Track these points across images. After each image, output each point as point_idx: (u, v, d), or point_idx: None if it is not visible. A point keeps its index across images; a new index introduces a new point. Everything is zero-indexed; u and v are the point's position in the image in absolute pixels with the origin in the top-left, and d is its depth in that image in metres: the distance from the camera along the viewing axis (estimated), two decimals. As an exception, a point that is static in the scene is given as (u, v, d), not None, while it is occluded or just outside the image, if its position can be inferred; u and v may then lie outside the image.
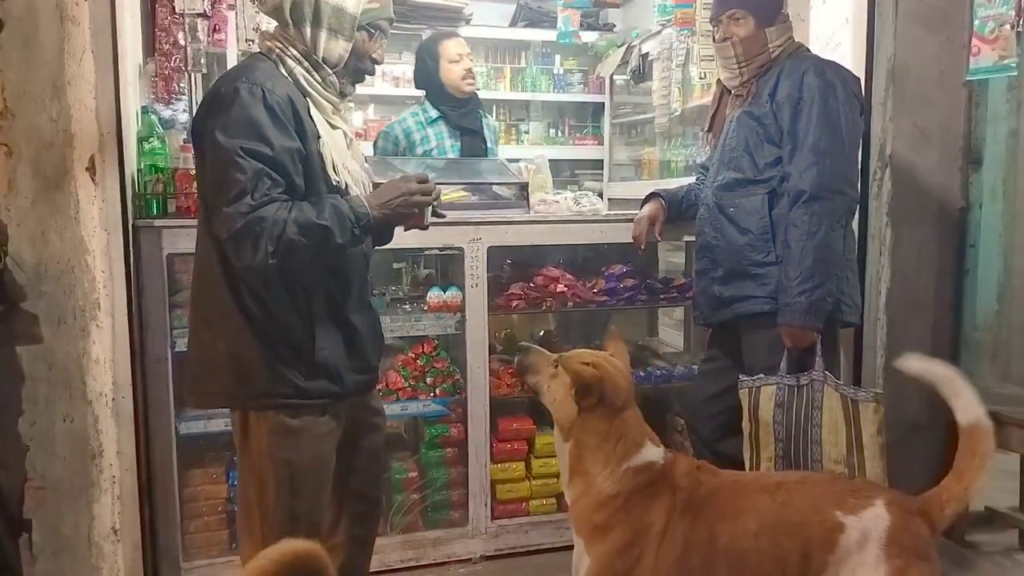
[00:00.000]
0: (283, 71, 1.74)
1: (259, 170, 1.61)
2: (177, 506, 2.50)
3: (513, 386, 2.80)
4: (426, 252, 2.88)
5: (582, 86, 5.13)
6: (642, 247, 2.68)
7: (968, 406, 1.64)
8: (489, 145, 3.31)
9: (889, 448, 2.15)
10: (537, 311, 2.83)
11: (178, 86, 2.53)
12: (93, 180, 2.33)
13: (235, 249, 1.64)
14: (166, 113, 2.58)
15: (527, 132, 5.12)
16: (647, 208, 2.69)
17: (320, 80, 1.76)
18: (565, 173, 5.25)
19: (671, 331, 3.76)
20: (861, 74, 2.66)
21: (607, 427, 1.72)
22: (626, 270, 2.90)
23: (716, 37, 2.39)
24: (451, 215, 2.61)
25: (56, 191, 2.27)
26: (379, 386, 2.50)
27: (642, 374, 2.96)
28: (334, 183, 1.74)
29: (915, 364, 1.70)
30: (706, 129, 2.66)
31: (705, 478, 1.76)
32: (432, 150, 3.23)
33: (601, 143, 5.13)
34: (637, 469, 1.71)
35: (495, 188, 2.81)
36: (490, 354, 2.98)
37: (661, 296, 2.95)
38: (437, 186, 1.87)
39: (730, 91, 2.45)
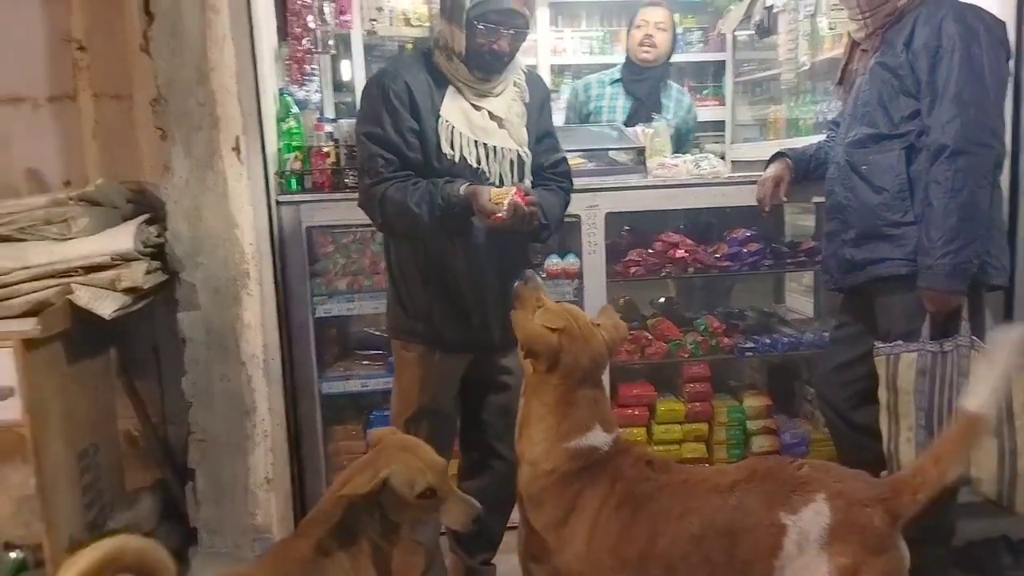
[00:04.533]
0: (434, 59, 1.97)
1: (374, 152, 1.91)
2: (322, 459, 2.71)
3: (633, 352, 2.82)
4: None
5: (701, 44, 4.96)
6: (766, 209, 2.60)
7: (982, 389, 1.48)
8: (667, 115, 3.33)
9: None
10: (655, 277, 2.82)
11: (309, 67, 2.68)
12: (239, 159, 2.52)
13: (367, 216, 2.01)
14: (300, 94, 2.74)
15: (644, 95, 5.01)
16: (772, 168, 2.61)
17: (455, 67, 1.94)
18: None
19: (800, 297, 3.64)
20: (1009, 17, 2.45)
21: (556, 399, 1.64)
22: (750, 234, 2.84)
23: None
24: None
25: (206, 170, 2.48)
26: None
27: (767, 341, 2.90)
28: (448, 157, 1.94)
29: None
30: (837, 83, 2.54)
31: (654, 473, 1.65)
32: (601, 108, 3.38)
33: (722, 103, 4.96)
34: (576, 451, 1.63)
35: (612, 154, 2.80)
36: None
37: (788, 261, 2.86)
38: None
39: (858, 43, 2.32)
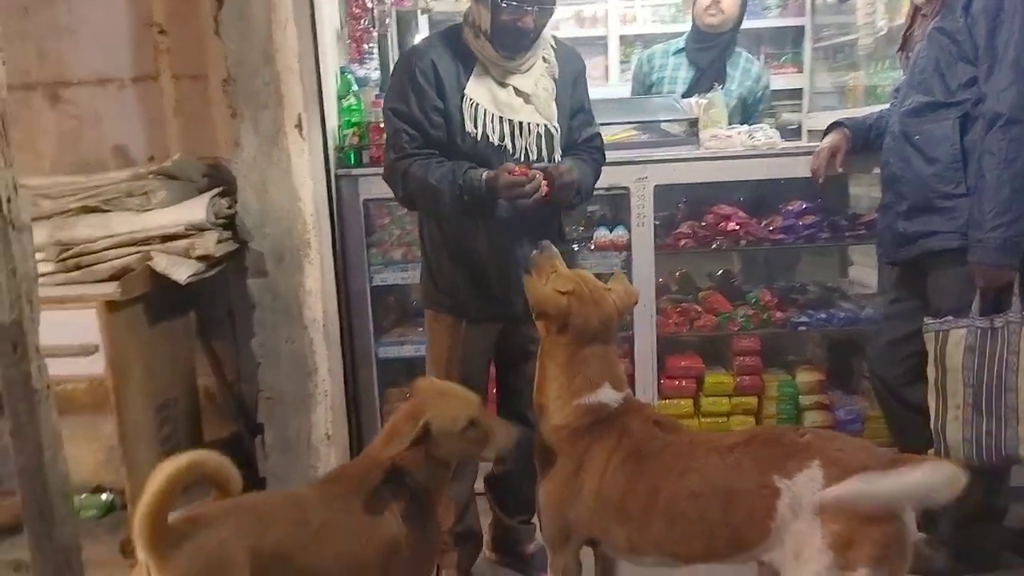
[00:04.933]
0: (463, 36, 2.02)
1: (399, 127, 1.97)
2: (378, 418, 2.86)
3: (681, 324, 2.83)
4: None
5: (779, 9, 4.80)
6: (820, 180, 2.55)
7: None
8: (732, 85, 3.25)
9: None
10: (706, 250, 2.81)
11: (367, 46, 2.78)
12: (301, 136, 2.66)
13: (391, 189, 2.06)
14: (360, 72, 2.85)
15: (718, 63, 4.90)
16: (829, 139, 2.55)
17: (481, 45, 1.99)
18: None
19: (868, 271, 3.53)
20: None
21: (567, 358, 1.70)
22: (806, 206, 2.78)
23: None
24: (617, 155, 2.68)
25: (272, 147, 2.63)
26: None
27: (822, 316, 2.85)
28: (471, 135, 1.99)
29: None
30: (898, 49, 2.45)
31: (660, 432, 1.69)
32: (663, 79, 3.33)
33: (800, 70, 4.80)
34: (587, 408, 1.69)
35: (664, 126, 2.79)
36: (664, 294, 3.03)
37: (846, 234, 2.79)
38: (536, 175, 1.93)
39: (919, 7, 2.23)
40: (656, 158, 2.67)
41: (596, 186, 2.69)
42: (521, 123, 2.02)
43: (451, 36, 2.08)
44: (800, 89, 4.79)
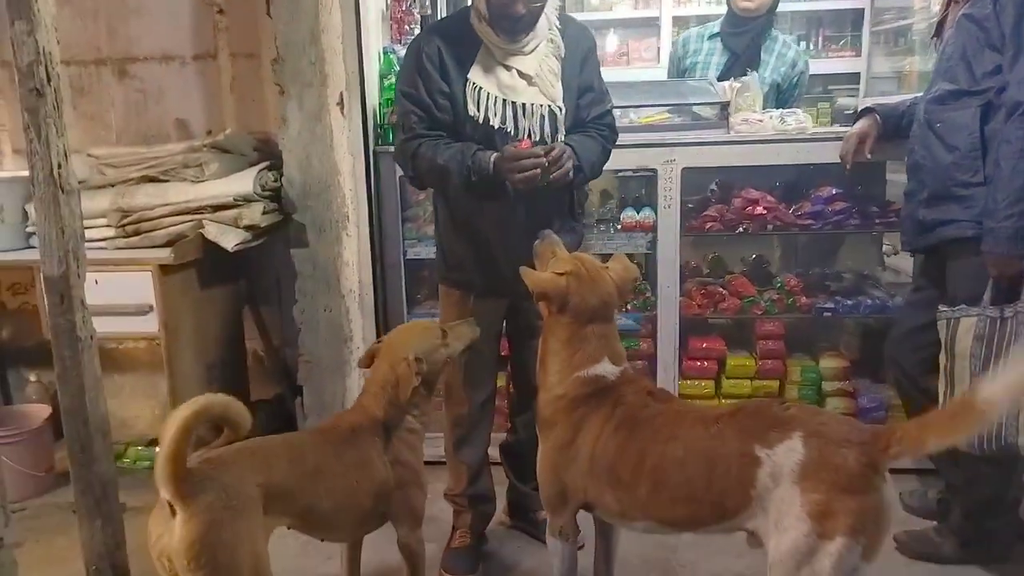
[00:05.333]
0: (471, 20, 2.09)
1: (408, 109, 2.06)
2: (409, 386, 3.00)
3: (705, 306, 2.87)
4: (619, 174, 2.99)
5: (839, -9, 4.70)
6: (848, 166, 2.55)
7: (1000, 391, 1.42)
8: (765, 71, 3.23)
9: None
10: (731, 234, 2.83)
11: (409, 27, 2.89)
12: (342, 113, 2.81)
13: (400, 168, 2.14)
14: (401, 52, 2.95)
15: (773, 46, 4.82)
16: (858, 125, 2.55)
17: (484, 29, 2.06)
18: (817, 88, 4.89)
19: (908, 259, 3.47)
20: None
21: (568, 335, 1.79)
22: (836, 192, 2.77)
23: None
24: (645, 137, 2.73)
25: (315, 123, 2.78)
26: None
27: (849, 303, 2.85)
28: (473, 117, 2.07)
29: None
30: (932, 36, 2.42)
31: (652, 402, 1.76)
32: (697, 64, 3.34)
33: (859, 54, 4.69)
34: (586, 379, 1.78)
35: (696, 109, 2.81)
36: (695, 276, 3.07)
37: (876, 221, 2.78)
38: (543, 157, 1.97)
39: (955, -8, 2.20)
40: (684, 141, 2.71)
41: (623, 166, 2.78)
42: (524, 104, 2.07)
43: (459, 20, 2.15)
44: (857, 73, 4.69)
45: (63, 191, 1.49)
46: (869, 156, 2.53)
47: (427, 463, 2.28)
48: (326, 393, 2.96)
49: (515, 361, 2.39)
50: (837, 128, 2.69)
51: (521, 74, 2.08)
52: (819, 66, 4.81)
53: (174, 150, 2.84)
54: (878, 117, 2.50)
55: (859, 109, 2.61)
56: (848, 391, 2.88)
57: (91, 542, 1.61)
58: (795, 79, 3.32)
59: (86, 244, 2.61)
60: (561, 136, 2.12)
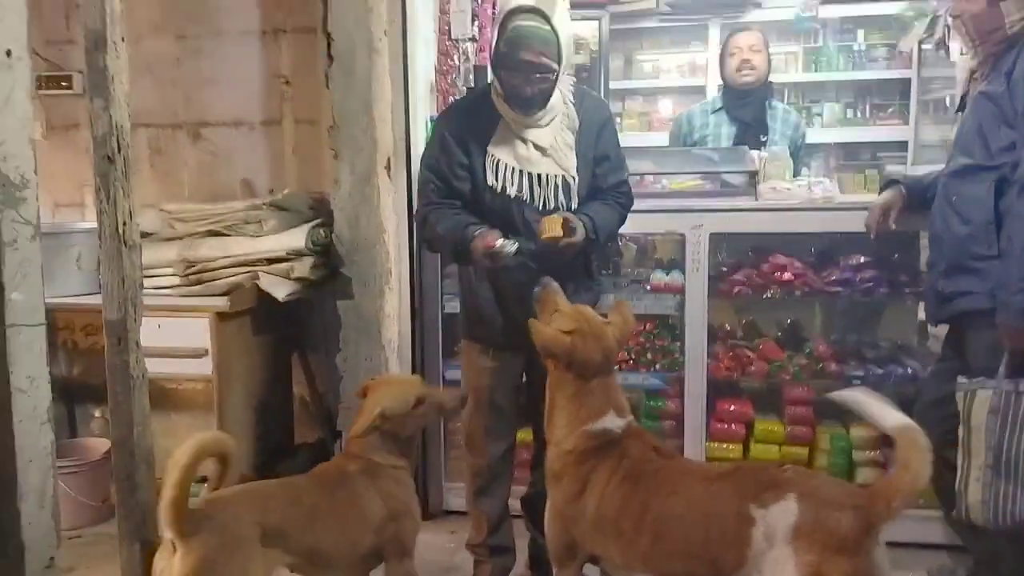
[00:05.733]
0: (491, 96, 2.26)
1: (428, 179, 2.26)
2: (442, 436, 3.11)
3: (733, 369, 2.91)
4: (649, 237, 3.09)
5: (886, 61, 4.76)
6: (873, 236, 2.60)
7: (887, 415, 1.60)
8: (775, 136, 3.37)
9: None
10: (758, 298, 2.89)
11: (452, 98, 3.10)
12: (389, 176, 3.02)
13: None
14: (447, 121, 3.16)
15: (820, 114, 4.91)
16: (883, 196, 2.60)
17: (502, 105, 2.22)
18: (865, 156, 4.94)
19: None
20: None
21: (574, 390, 1.87)
22: (864, 260, 2.81)
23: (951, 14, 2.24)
24: (673, 203, 2.84)
25: (365, 185, 2.98)
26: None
27: (879, 371, 2.84)
28: (492, 187, 2.22)
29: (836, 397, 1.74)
30: (956, 110, 2.47)
31: (656, 457, 1.82)
32: (707, 136, 3.46)
33: (905, 122, 4.72)
34: (593, 433, 1.85)
35: (725, 176, 2.91)
36: (728, 339, 3.11)
37: (907, 290, 2.79)
38: (507, 245, 2.14)
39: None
40: (711, 207, 2.80)
41: (653, 231, 2.90)
42: (540, 175, 2.21)
43: (480, 96, 2.33)
44: (905, 141, 4.71)
45: (126, 245, 1.70)
46: (894, 227, 2.57)
47: (449, 512, 2.38)
48: (364, 439, 3.09)
49: (534, 412, 2.46)
50: (864, 197, 2.74)
51: (536, 146, 2.22)
52: (867, 134, 4.89)
53: (237, 207, 3.08)
54: (903, 188, 2.55)
55: (884, 181, 2.66)
56: (879, 461, 2.85)
57: (128, 564, 1.76)
58: (799, 141, 3.45)
59: (154, 290, 2.91)
60: (574, 204, 2.25)
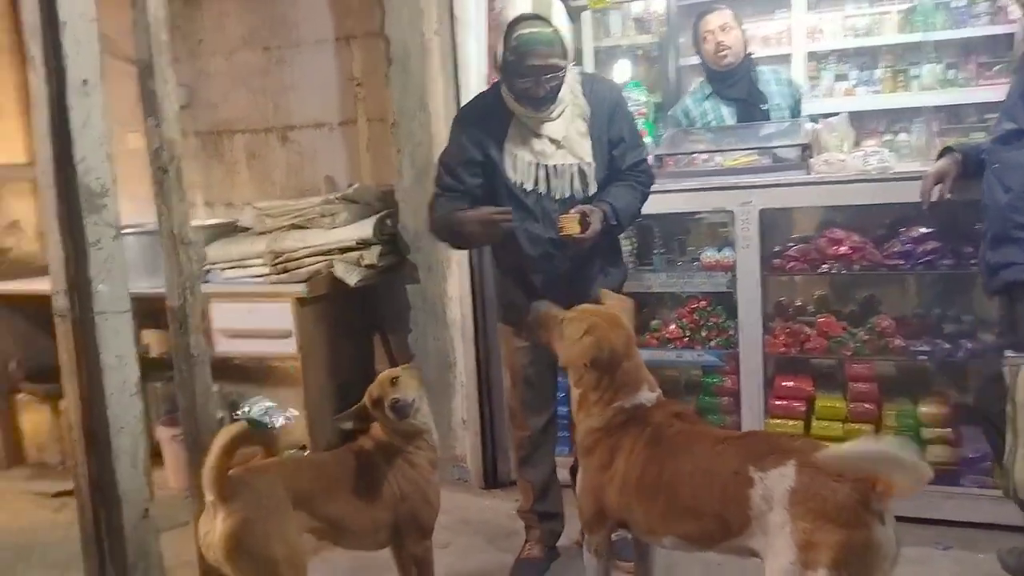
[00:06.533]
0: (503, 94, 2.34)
1: (441, 172, 2.38)
2: (505, 407, 3.25)
3: (790, 345, 2.87)
4: (697, 216, 3.08)
5: (989, 16, 4.40)
6: (926, 206, 2.50)
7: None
8: (777, 102, 3.26)
9: None
10: (813, 273, 2.83)
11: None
12: (445, 167, 3.19)
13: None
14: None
15: (918, 76, 4.62)
16: (938, 164, 2.49)
17: (514, 103, 2.30)
18: (971, 119, 4.59)
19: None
20: None
21: (603, 379, 1.92)
22: (926, 232, 2.69)
23: None
24: (720, 180, 2.84)
25: (424, 177, 3.17)
26: (658, 335, 3.00)
27: (946, 346, 2.73)
28: (511, 181, 2.31)
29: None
30: (1014, 72, 2.34)
31: (678, 422, 1.86)
32: (710, 123, 3.37)
33: (1015, 80, 4.36)
34: (624, 409, 1.92)
35: (776, 151, 2.87)
36: (788, 316, 3.06)
37: (971, 262, 2.65)
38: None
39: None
40: (760, 183, 2.77)
41: (701, 210, 2.90)
42: (555, 166, 2.29)
43: (493, 95, 2.38)
44: (1016, 100, 4.35)
45: (182, 243, 1.96)
46: (949, 196, 2.46)
47: (514, 482, 2.54)
48: (435, 413, 3.29)
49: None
50: (918, 167, 2.62)
51: (551, 139, 2.29)
52: (974, 95, 4.55)
53: (314, 202, 3.37)
54: (958, 156, 2.43)
55: (940, 149, 2.54)
56: (948, 439, 2.73)
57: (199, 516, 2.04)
58: (797, 97, 3.32)
59: (250, 279, 3.24)
60: (592, 190, 2.32)
